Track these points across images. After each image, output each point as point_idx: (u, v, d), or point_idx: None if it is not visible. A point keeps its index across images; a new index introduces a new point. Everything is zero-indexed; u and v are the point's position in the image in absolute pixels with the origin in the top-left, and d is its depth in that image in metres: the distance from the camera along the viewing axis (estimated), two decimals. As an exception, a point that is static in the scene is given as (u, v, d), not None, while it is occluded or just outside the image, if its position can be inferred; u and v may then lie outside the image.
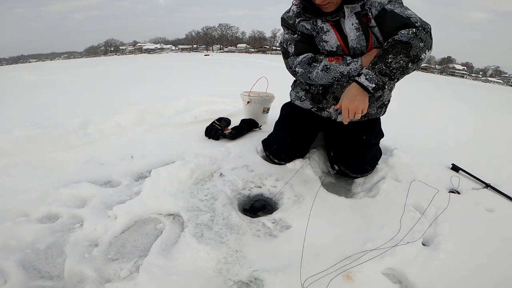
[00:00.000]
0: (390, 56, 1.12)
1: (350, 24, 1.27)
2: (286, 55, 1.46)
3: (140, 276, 0.95)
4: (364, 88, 1.15)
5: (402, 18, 1.17)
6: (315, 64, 1.36)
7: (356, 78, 1.18)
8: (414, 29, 1.13)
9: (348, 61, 1.29)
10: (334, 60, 1.32)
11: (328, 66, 1.33)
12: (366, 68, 1.17)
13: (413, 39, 1.11)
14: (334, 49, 1.34)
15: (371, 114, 1.54)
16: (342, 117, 1.25)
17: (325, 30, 1.33)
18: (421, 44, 1.11)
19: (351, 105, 1.18)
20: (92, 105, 3.29)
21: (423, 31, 1.13)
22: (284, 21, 1.43)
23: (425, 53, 1.14)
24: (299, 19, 1.37)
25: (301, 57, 1.41)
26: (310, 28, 1.37)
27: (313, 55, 1.39)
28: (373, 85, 1.14)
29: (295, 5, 1.39)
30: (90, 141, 1.95)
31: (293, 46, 1.42)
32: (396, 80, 1.17)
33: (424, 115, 3.75)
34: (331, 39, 1.33)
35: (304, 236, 1.14)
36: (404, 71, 1.14)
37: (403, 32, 1.13)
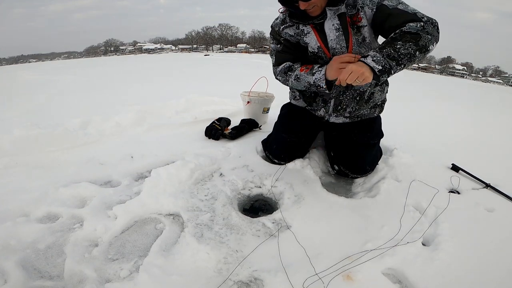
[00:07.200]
0: (399, 43, 1.10)
1: (330, 25, 1.30)
2: (272, 64, 1.55)
3: (140, 276, 0.95)
4: (371, 69, 1.09)
5: (408, 13, 1.17)
6: (290, 73, 1.43)
7: (362, 59, 1.11)
8: (421, 23, 1.13)
9: (314, 71, 1.31)
10: (304, 70, 1.35)
11: (298, 76, 1.38)
12: (373, 50, 1.13)
13: (421, 31, 1.11)
14: (316, 50, 1.37)
15: (364, 115, 1.54)
16: (334, 117, 1.28)
17: (305, 32, 1.37)
18: (429, 36, 1.12)
19: (359, 68, 1.08)
20: (92, 105, 3.29)
21: (431, 25, 1.13)
22: (271, 30, 1.49)
23: (433, 45, 1.14)
24: (283, 26, 1.42)
25: (280, 66, 1.48)
26: (294, 34, 1.41)
27: (290, 64, 1.44)
28: (380, 67, 1.08)
29: (281, 12, 1.43)
30: (90, 141, 1.95)
31: (274, 57, 1.51)
32: (402, 67, 1.13)
33: (424, 115, 3.75)
34: (311, 41, 1.36)
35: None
36: (411, 59, 1.11)
37: (411, 25, 1.13)
